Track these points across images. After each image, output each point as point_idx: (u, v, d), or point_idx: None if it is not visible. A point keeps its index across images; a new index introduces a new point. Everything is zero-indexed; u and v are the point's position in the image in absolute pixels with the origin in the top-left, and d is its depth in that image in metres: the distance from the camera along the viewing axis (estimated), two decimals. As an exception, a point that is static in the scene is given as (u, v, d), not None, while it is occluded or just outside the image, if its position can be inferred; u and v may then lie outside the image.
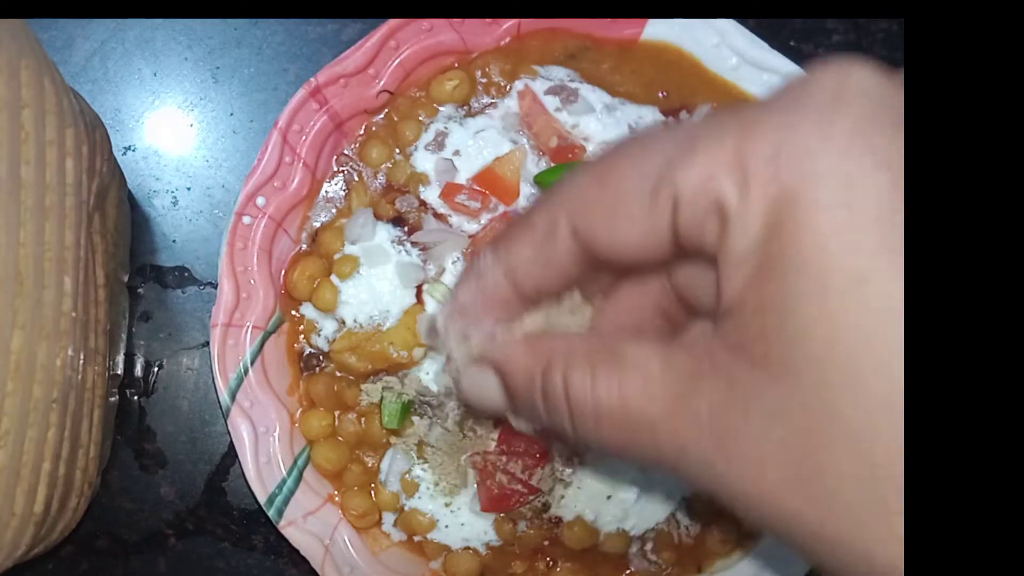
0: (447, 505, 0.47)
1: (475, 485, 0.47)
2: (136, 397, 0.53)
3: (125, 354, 0.52)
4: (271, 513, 0.47)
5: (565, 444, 0.32)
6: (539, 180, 0.47)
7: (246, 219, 0.48)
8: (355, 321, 0.47)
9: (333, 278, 0.47)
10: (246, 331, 0.48)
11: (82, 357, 0.41)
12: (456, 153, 0.48)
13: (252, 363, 0.48)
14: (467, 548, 0.48)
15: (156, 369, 0.53)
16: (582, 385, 0.27)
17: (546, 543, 0.48)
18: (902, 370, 0.22)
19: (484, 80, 0.49)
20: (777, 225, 0.23)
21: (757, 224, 0.24)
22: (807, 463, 0.23)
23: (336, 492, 0.49)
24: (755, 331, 0.24)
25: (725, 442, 0.25)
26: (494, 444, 0.47)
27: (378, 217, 0.48)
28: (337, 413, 0.49)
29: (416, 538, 0.49)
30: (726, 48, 0.49)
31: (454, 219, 0.47)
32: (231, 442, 0.48)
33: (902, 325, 0.22)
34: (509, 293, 0.30)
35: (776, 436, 0.24)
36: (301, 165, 0.48)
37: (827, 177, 0.23)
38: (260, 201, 0.48)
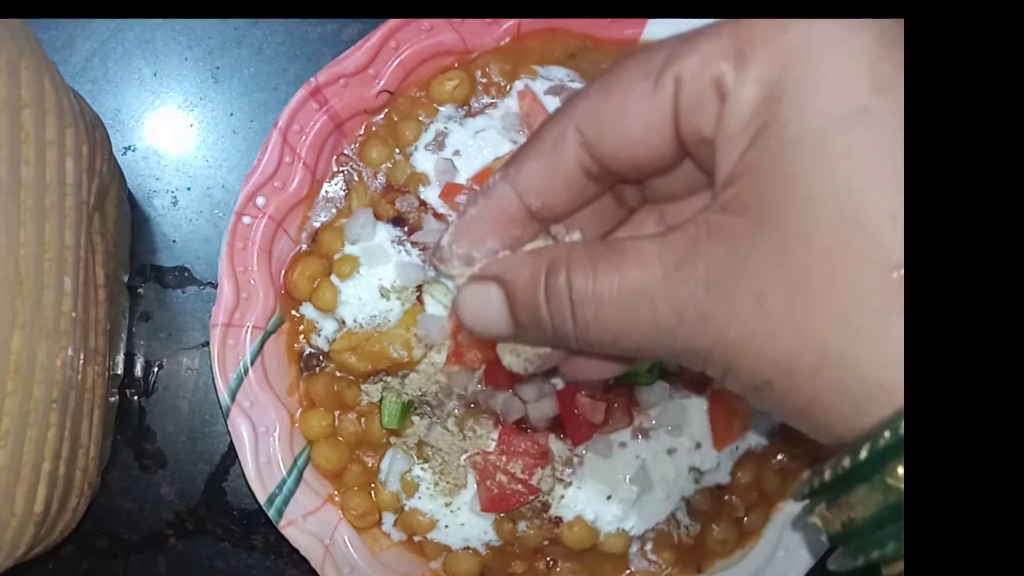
0: (447, 505, 0.48)
1: (475, 485, 0.47)
2: (136, 397, 0.53)
3: (125, 354, 0.52)
4: (271, 513, 0.47)
5: (560, 353, 0.33)
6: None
7: (246, 219, 0.48)
8: (355, 321, 0.47)
9: (333, 278, 0.47)
10: (246, 331, 0.48)
11: (82, 357, 0.41)
12: (456, 153, 0.48)
13: (252, 363, 0.48)
14: (467, 548, 0.48)
15: (156, 369, 0.53)
16: (584, 281, 0.28)
17: (546, 543, 0.48)
18: (900, 205, 0.23)
19: (484, 80, 0.49)
20: (773, 90, 0.25)
21: (753, 95, 0.25)
22: (809, 298, 0.24)
23: (336, 492, 0.49)
24: (754, 188, 0.25)
25: (724, 296, 0.25)
26: (494, 444, 0.47)
27: (378, 217, 0.48)
28: (337, 413, 0.49)
29: (416, 538, 0.49)
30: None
31: (454, 219, 0.47)
32: (231, 442, 0.48)
33: (895, 163, 0.23)
34: (516, 209, 0.31)
35: (778, 278, 0.25)
36: (301, 165, 0.48)
37: (819, 42, 0.24)
38: (260, 201, 0.48)
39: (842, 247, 0.24)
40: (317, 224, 0.50)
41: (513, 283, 0.30)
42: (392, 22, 0.48)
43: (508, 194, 0.30)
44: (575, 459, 0.47)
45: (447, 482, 0.47)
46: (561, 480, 0.47)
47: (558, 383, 0.47)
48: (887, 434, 0.24)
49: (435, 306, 0.47)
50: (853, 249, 0.24)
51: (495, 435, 0.47)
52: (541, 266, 0.29)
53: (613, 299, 0.27)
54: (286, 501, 0.47)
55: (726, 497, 0.49)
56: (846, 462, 0.25)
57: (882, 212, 0.23)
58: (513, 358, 0.33)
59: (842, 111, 0.24)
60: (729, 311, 0.25)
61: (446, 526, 0.48)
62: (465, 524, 0.48)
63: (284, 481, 0.48)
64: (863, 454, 0.24)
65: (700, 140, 0.27)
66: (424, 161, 0.48)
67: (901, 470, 0.23)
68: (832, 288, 0.24)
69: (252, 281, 0.48)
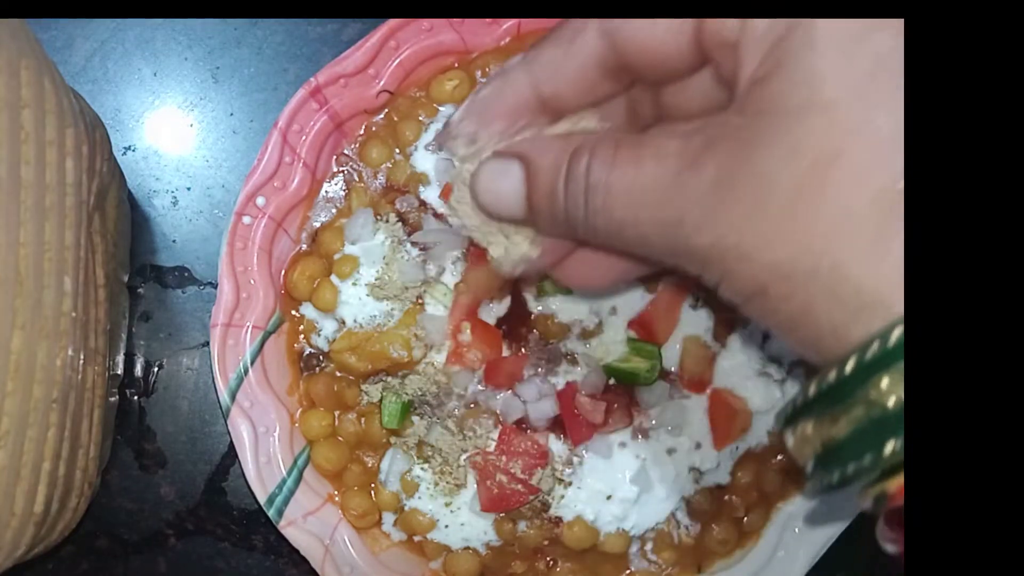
0: (447, 505, 0.47)
1: (475, 485, 0.47)
2: (136, 397, 0.53)
3: (125, 354, 0.52)
4: (271, 513, 0.47)
5: (551, 258, 0.34)
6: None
7: (246, 219, 0.48)
8: (355, 321, 0.47)
9: (333, 278, 0.47)
10: (246, 331, 0.48)
11: (82, 357, 0.41)
12: (456, 153, 0.48)
13: (252, 363, 0.48)
14: (467, 548, 0.48)
15: (156, 369, 0.53)
16: (602, 170, 0.28)
17: (546, 543, 0.48)
18: (901, 112, 0.23)
19: (484, 80, 0.49)
20: None
21: None
22: (812, 204, 0.24)
23: (336, 492, 0.49)
24: (773, 90, 0.25)
25: (728, 197, 0.26)
26: (494, 444, 0.47)
27: (378, 217, 0.48)
28: (337, 413, 0.49)
29: (416, 538, 0.49)
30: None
31: (454, 219, 0.47)
32: (231, 442, 0.48)
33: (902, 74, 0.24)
34: (528, 96, 0.31)
35: (783, 180, 0.25)
36: (301, 165, 0.48)
37: None
38: (260, 201, 0.48)
39: (851, 155, 0.24)
40: (317, 224, 0.50)
41: (536, 164, 0.30)
42: (392, 22, 0.48)
43: (522, 78, 0.31)
44: (575, 459, 0.47)
45: (447, 482, 0.47)
46: (561, 480, 0.47)
47: (558, 383, 0.47)
48: (875, 346, 0.23)
49: (435, 306, 0.47)
50: (862, 158, 0.24)
51: (495, 435, 0.47)
52: (567, 150, 0.29)
53: (624, 192, 0.28)
54: (286, 501, 0.47)
55: (726, 497, 0.49)
56: (832, 376, 0.25)
57: (892, 126, 0.24)
58: (502, 256, 0.33)
59: (867, 25, 0.24)
60: (731, 213, 0.26)
61: (446, 526, 0.48)
62: (465, 524, 0.48)
63: (284, 481, 0.48)
64: (849, 367, 0.24)
65: (721, 42, 0.27)
66: (424, 161, 0.48)
67: (886, 383, 0.23)
68: (836, 195, 0.24)
69: (252, 281, 0.48)
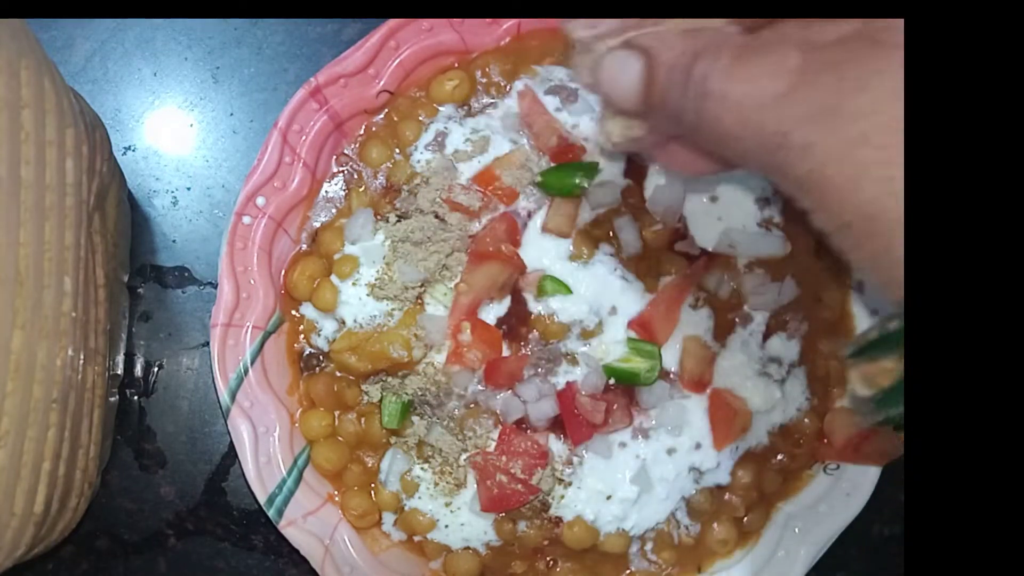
0: (447, 505, 0.47)
1: (475, 485, 0.47)
2: (136, 397, 0.53)
3: (125, 354, 0.52)
4: (271, 513, 0.47)
5: (657, 140, 0.35)
6: (540, 180, 0.47)
7: (246, 219, 0.48)
8: (355, 321, 0.47)
9: (333, 278, 0.47)
10: (246, 331, 0.48)
11: (82, 357, 0.41)
12: (456, 153, 0.48)
13: (252, 363, 0.48)
14: (467, 548, 0.48)
15: (156, 369, 0.53)
16: (720, 79, 0.28)
17: (546, 543, 0.48)
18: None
19: (484, 80, 0.49)
20: None
21: None
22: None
23: (336, 492, 0.49)
24: (897, 24, 0.25)
25: (832, 127, 0.26)
26: (494, 444, 0.47)
27: (378, 217, 0.48)
28: (337, 413, 0.49)
29: (416, 538, 0.49)
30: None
31: (454, 219, 0.47)
32: (231, 442, 0.48)
33: None
34: None
35: (887, 117, 0.25)
36: (301, 165, 0.48)
37: None
38: (260, 201, 0.48)
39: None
40: (317, 224, 0.50)
41: (658, 61, 0.31)
42: (392, 22, 0.48)
43: None
44: (575, 459, 0.47)
45: (447, 482, 0.47)
46: (561, 480, 0.47)
47: (558, 383, 0.47)
48: None
49: (435, 306, 0.47)
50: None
51: (495, 435, 0.47)
52: (689, 51, 0.30)
53: (736, 103, 0.28)
54: (286, 501, 0.47)
55: (726, 497, 0.49)
56: (894, 324, 0.26)
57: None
58: (616, 129, 0.34)
59: None
60: (831, 144, 0.26)
61: (446, 526, 0.48)
62: (465, 524, 0.48)
63: (284, 481, 0.48)
64: None
65: None
66: (424, 161, 0.48)
67: None
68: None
69: (252, 281, 0.48)
